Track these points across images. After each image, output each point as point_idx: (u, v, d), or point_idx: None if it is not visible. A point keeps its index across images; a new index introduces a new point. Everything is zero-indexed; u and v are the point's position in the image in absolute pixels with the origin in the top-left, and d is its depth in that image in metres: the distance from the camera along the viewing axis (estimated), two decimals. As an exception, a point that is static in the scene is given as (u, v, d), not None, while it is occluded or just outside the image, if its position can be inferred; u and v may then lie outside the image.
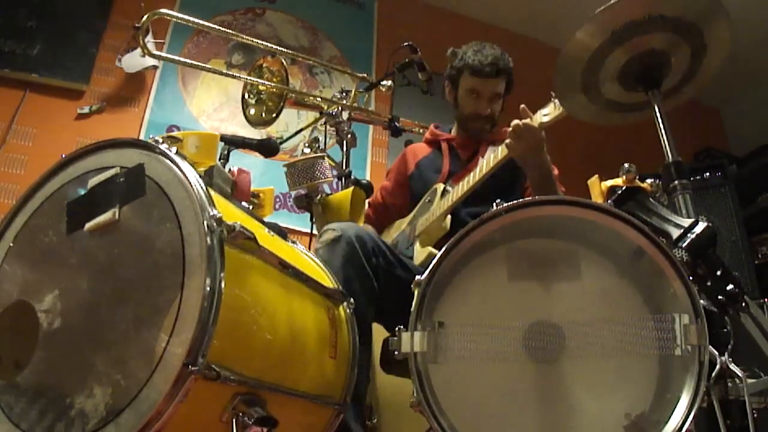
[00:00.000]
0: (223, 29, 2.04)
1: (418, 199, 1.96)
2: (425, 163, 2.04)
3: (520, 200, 1.00)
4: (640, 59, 1.23)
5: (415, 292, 0.98)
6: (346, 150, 1.98)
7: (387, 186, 2.15)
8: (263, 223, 1.10)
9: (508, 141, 1.59)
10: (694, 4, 1.16)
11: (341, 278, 1.25)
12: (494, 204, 1.00)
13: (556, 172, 1.87)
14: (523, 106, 1.60)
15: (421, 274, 0.99)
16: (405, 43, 2.10)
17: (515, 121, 1.57)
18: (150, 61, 2.95)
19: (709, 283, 1.01)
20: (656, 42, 1.21)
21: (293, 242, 1.20)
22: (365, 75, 2.24)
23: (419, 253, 1.76)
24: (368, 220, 2.11)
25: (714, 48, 1.22)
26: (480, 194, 1.76)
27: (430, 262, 0.98)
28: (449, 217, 1.75)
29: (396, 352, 0.95)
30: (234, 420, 0.80)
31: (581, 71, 1.27)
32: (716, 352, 1.02)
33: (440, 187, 1.86)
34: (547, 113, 1.54)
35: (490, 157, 1.67)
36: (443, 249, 0.99)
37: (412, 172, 2.06)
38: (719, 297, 1.01)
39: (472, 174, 1.71)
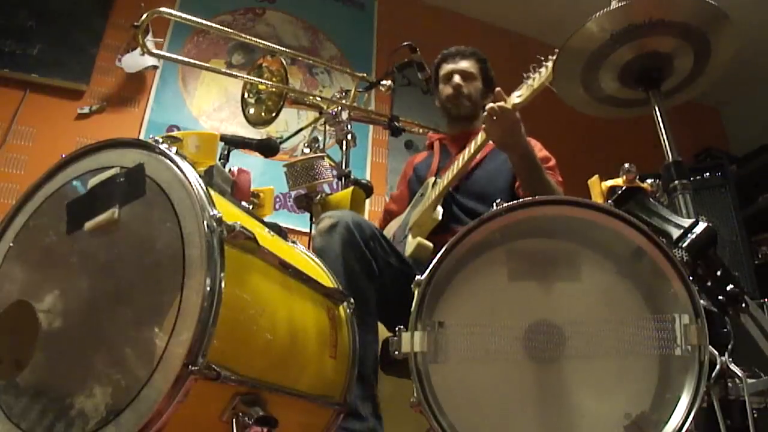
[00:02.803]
0: (223, 29, 2.04)
1: None
2: (420, 165, 2.13)
3: (520, 200, 1.00)
4: (643, 59, 1.24)
5: (415, 292, 0.98)
6: (346, 150, 1.98)
7: (394, 194, 2.25)
8: (263, 223, 1.10)
9: (484, 125, 1.63)
10: (703, 13, 1.16)
11: (341, 262, 1.26)
12: (494, 204, 1.00)
13: (552, 162, 1.89)
14: (498, 89, 1.65)
15: (413, 265, 0.99)
16: (404, 43, 2.10)
17: (489, 105, 1.61)
18: (150, 61, 2.95)
19: (709, 283, 1.02)
20: (662, 45, 1.22)
21: (293, 242, 1.20)
22: (364, 74, 2.24)
23: (409, 243, 1.77)
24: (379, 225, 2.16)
25: (717, 54, 1.22)
26: (471, 187, 1.78)
27: (421, 253, 0.98)
28: (440, 207, 1.77)
29: (396, 352, 0.95)
30: (234, 420, 0.80)
31: (584, 61, 1.27)
32: (716, 352, 1.02)
33: (431, 180, 1.90)
34: (520, 94, 1.59)
35: (471, 145, 1.70)
36: (443, 249, 0.99)
37: (410, 177, 2.14)
38: (719, 297, 1.01)
39: (456, 162, 1.75)
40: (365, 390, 1.26)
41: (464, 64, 2.06)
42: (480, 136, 1.68)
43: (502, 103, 1.60)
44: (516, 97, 1.59)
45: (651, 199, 1.13)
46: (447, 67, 2.08)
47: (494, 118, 1.59)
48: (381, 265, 1.44)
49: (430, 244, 1.65)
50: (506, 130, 1.61)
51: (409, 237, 1.80)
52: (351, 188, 1.74)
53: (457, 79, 2.03)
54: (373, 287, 1.39)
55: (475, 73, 2.06)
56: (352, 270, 1.27)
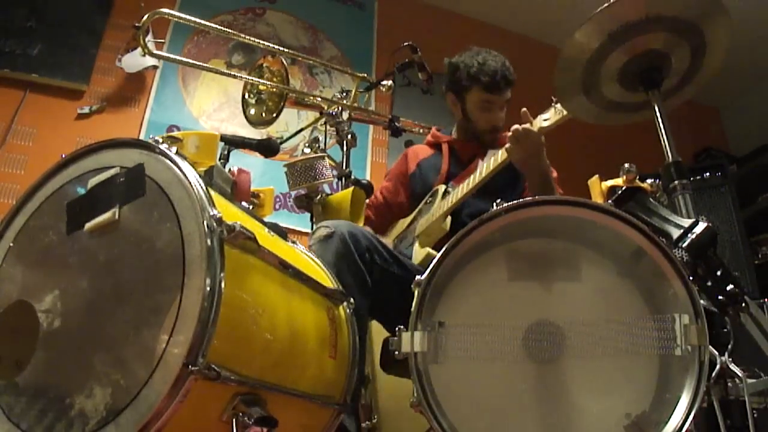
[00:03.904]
0: (223, 29, 2.04)
1: (417, 198, 1.97)
2: (426, 163, 2.06)
3: (520, 200, 1.00)
4: (639, 60, 1.23)
5: (416, 292, 0.97)
6: (346, 150, 1.98)
7: (388, 185, 2.16)
8: (263, 223, 1.10)
9: (508, 145, 1.60)
10: (693, 3, 1.16)
11: (334, 273, 1.26)
12: (494, 204, 1.00)
13: (555, 174, 1.88)
14: (524, 110, 1.61)
15: (419, 272, 0.99)
16: (405, 43, 2.10)
17: (515, 126, 1.58)
18: (150, 61, 2.95)
19: (709, 284, 1.01)
20: (655, 42, 1.21)
21: (293, 242, 1.20)
22: (365, 75, 2.24)
23: (418, 253, 1.76)
24: (368, 221, 2.11)
25: (714, 46, 1.22)
26: (481, 194, 1.76)
27: (430, 262, 0.98)
28: (449, 218, 1.76)
29: (396, 352, 0.95)
30: (234, 420, 0.80)
31: (581, 72, 1.27)
32: (716, 352, 1.03)
33: (441, 188, 1.87)
34: (548, 118, 1.55)
35: (490, 161, 1.69)
36: (443, 249, 0.99)
37: (413, 171, 2.07)
38: (719, 297, 1.01)
39: (472, 177, 1.73)
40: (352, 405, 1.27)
41: (507, 95, 1.94)
42: (500, 155, 1.65)
43: (527, 126, 1.57)
44: (543, 121, 1.55)
45: (651, 199, 1.13)
46: (491, 97, 1.92)
47: (518, 140, 1.57)
48: (378, 276, 1.43)
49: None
50: (529, 153, 1.59)
51: (416, 245, 1.80)
52: (351, 188, 1.74)
53: (498, 115, 1.94)
54: (365, 302, 1.38)
55: (508, 102, 1.98)
56: (345, 283, 1.26)
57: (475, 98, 1.95)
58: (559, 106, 1.50)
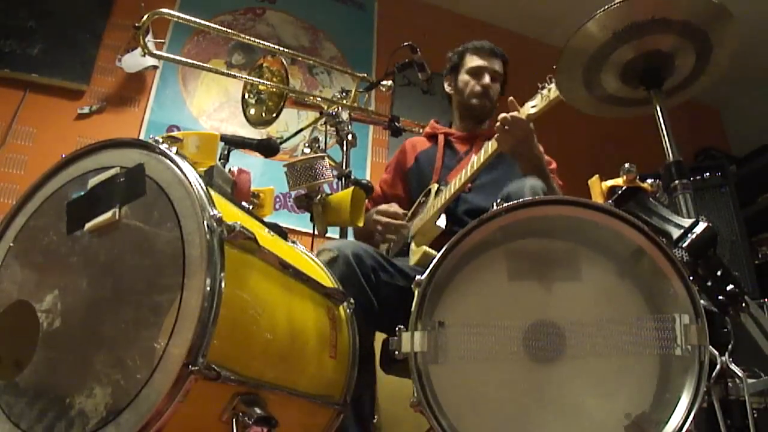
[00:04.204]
0: (223, 29, 2.04)
1: (414, 194, 1.97)
2: (423, 157, 2.07)
3: (520, 200, 1.00)
4: (644, 58, 1.23)
5: (416, 292, 0.97)
6: (346, 150, 1.98)
7: (387, 178, 2.17)
8: (263, 223, 1.10)
9: (497, 135, 1.61)
10: (703, 10, 1.16)
11: None
12: (494, 204, 1.00)
13: (553, 165, 1.88)
14: (511, 98, 1.63)
15: (420, 274, 0.99)
16: (405, 43, 2.10)
17: (502, 115, 1.59)
18: (150, 61, 2.95)
19: (709, 283, 1.02)
20: (663, 43, 1.21)
21: (293, 242, 1.20)
22: (365, 75, 2.24)
23: (414, 252, 1.76)
24: (366, 213, 2.11)
25: (719, 52, 1.22)
26: (476, 190, 1.77)
27: (427, 262, 0.98)
28: (443, 216, 1.76)
29: (396, 352, 0.95)
30: (234, 420, 0.80)
31: (586, 61, 1.27)
32: (716, 352, 1.03)
33: (434, 187, 1.88)
34: (535, 105, 1.55)
35: (481, 153, 1.69)
36: (443, 249, 0.99)
37: (410, 166, 2.08)
38: (719, 297, 1.01)
39: (463, 171, 1.73)
40: (356, 413, 1.26)
41: (497, 66, 2.03)
42: (490, 145, 1.65)
43: (515, 113, 1.58)
44: (530, 108, 1.56)
45: (651, 199, 1.13)
46: (479, 62, 2.03)
47: (506, 127, 1.57)
48: (384, 292, 1.43)
49: (436, 253, 1.64)
50: (519, 141, 1.59)
51: (413, 245, 1.80)
52: (351, 188, 1.74)
53: (487, 79, 2.01)
54: (371, 325, 1.37)
55: (500, 76, 2.05)
56: None
57: (467, 65, 2.05)
58: (545, 91, 1.52)
